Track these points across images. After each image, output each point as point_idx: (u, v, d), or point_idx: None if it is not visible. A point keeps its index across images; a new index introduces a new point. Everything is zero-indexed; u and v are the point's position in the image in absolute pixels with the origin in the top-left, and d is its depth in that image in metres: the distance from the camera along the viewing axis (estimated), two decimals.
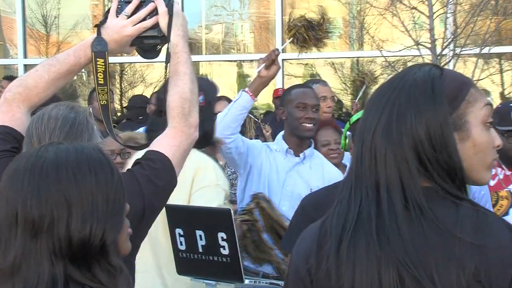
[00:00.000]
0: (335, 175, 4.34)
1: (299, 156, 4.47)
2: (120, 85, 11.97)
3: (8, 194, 1.71)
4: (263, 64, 4.27)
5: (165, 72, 2.71)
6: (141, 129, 5.63)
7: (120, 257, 1.78)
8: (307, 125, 4.42)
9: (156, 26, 2.73)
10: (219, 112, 5.34)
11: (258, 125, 7.16)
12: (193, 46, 11.79)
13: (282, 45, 4.54)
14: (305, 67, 11.38)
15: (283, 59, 10.20)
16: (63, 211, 1.67)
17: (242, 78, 11.75)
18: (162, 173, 2.51)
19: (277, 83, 10.32)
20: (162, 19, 2.71)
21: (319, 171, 4.47)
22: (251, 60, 11.04)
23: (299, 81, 10.03)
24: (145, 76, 11.85)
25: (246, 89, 4.31)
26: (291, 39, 4.72)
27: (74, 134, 2.51)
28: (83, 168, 1.71)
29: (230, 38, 12.04)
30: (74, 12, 11.87)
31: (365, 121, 1.85)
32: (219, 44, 12.16)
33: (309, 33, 4.60)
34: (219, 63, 12.03)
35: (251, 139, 5.29)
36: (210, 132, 3.91)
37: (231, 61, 11.91)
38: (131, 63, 11.77)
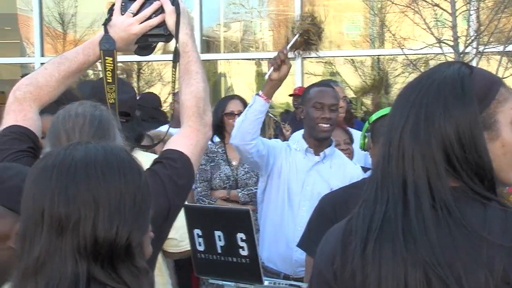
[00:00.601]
0: (356, 175, 4.28)
1: (319, 155, 4.42)
2: (138, 83, 11.97)
3: (35, 191, 1.68)
4: (272, 68, 4.21)
5: (174, 71, 2.73)
6: (164, 127, 5.59)
7: (145, 259, 1.76)
8: (323, 125, 4.37)
9: (162, 24, 2.73)
10: (232, 111, 5.34)
11: (278, 125, 7.13)
12: (212, 44, 11.78)
13: (289, 43, 4.45)
14: (324, 65, 11.36)
15: (302, 58, 10.17)
16: (90, 210, 1.64)
17: (260, 76, 11.72)
18: (182, 172, 2.53)
19: (296, 81, 10.28)
20: (169, 18, 2.71)
21: (340, 171, 4.43)
22: (270, 58, 10.97)
23: (319, 79, 9.98)
24: (163, 74, 11.84)
25: (260, 92, 4.27)
26: (297, 35, 4.60)
27: (102, 131, 2.49)
28: (111, 168, 1.69)
29: (248, 36, 12.04)
30: (91, 10, 11.88)
31: (392, 120, 1.82)
32: (238, 42, 12.15)
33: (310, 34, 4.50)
34: (237, 61, 12.03)
35: (270, 138, 5.25)
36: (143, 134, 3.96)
37: (250, 59, 11.90)
38: (148, 61, 11.77)
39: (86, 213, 1.64)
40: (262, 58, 11.73)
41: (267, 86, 4.25)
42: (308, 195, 4.33)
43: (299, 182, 4.37)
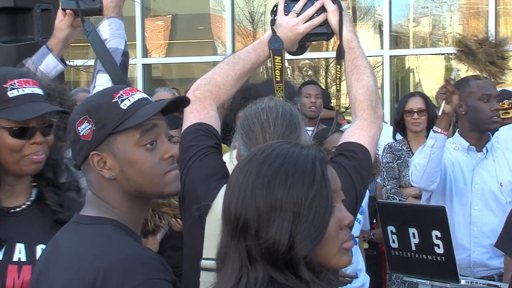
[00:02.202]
0: None
1: (481, 152, 4.30)
2: (325, 80, 12.02)
3: (228, 188, 1.74)
4: (443, 102, 4.10)
5: (338, 68, 2.83)
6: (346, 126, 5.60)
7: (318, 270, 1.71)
8: (496, 118, 4.26)
9: (324, 23, 2.81)
10: (411, 109, 5.31)
11: None
12: (400, 40, 11.66)
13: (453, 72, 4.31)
14: None
15: None
16: (256, 216, 1.66)
17: (449, 72, 11.46)
18: (364, 163, 2.61)
19: None
20: (333, 16, 2.79)
21: (503, 163, 4.33)
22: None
23: None
24: None
25: (438, 129, 4.13)
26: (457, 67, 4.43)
27: (293, 124, 2.55)
28: (283, 177, 1.68)
29: (438, 30, 11.81)
30: None
31: None
32: (427, 37, 11.95)
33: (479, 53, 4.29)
34: (426, 56, 11.82)
35: None
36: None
37: (439, 54, 11.67)
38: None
39: (252, 219, 1.66)
40: (451, 53, 11.43)
41: (443, 121, 4.16)
42: (479, 194, 4.26)
43: (467, 182, 4.29)
